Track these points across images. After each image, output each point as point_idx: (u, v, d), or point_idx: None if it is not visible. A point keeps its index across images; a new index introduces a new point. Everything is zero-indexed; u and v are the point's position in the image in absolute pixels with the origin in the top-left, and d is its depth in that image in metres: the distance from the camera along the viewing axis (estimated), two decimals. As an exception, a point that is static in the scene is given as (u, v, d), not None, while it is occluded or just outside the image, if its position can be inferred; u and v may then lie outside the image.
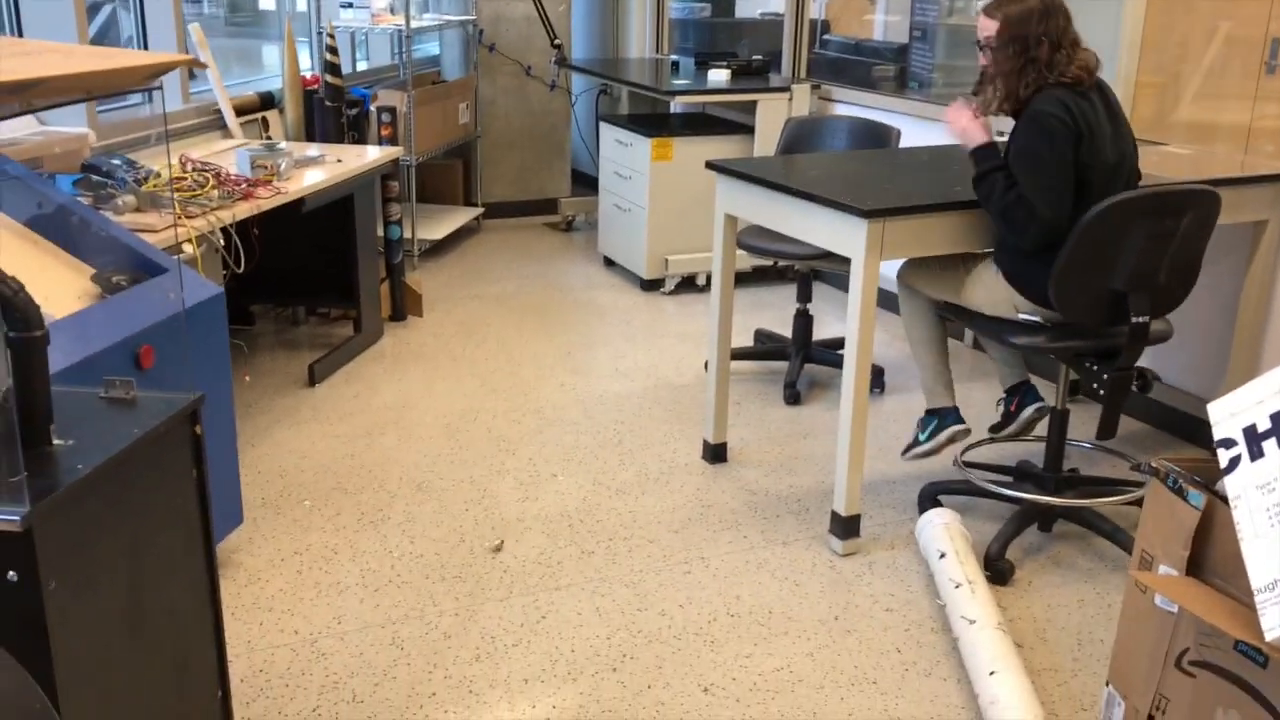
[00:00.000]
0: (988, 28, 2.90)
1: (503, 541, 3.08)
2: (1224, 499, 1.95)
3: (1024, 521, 3.13)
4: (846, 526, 3.10)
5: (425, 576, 2.95)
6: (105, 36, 5.98)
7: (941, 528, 2.96)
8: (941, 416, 3.35)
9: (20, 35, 3.87)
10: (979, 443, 3.59)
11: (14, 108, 1.50)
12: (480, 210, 6.58)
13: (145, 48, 4.62)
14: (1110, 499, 3.17)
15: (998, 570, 2.97)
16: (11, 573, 1.50)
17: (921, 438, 3.38)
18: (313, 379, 4.21)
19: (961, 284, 3.14)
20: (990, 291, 3.06)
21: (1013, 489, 3.21)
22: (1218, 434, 1.98)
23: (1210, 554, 2.03)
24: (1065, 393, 3.17)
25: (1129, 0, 4.78)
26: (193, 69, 4.53)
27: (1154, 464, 2.13)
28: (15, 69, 1.42)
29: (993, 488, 3.22)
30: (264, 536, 3.13)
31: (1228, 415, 1.99)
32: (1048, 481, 3.20)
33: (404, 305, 4.95)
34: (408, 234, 5.59)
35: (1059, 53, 2.84)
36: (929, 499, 3.30)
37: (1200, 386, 3.77)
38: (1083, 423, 3.83)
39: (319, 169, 4.05)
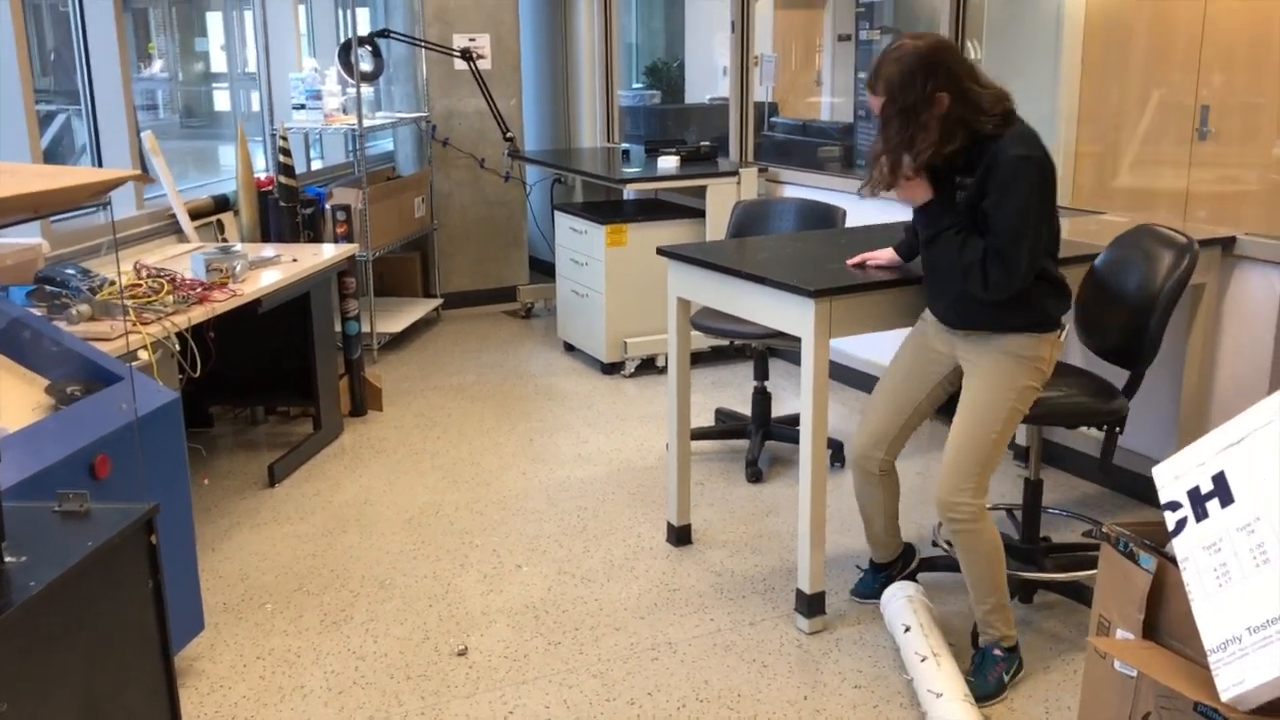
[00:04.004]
0: (874, 105, 2.73)
1: (466, 647, 3.05)
2: (1174, 561, 1.99)
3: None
4: (811, 604, 3.11)
5: (390, 676, 2.91)
6: (59, 144, 6.01)
7: (905, 601, 2.97)
8: (1015, 650, 2.86)
9: (-28, 147, 3.90)
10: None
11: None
12: (439, 301, 6.61)
13: (99, 155, 4.65)
14: (1092, 571, 3.18)
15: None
16: (-38, 695, 1.48)
17: (1005, 678, 2.80)
18: (273, 479, 4.18)
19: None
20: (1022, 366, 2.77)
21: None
22: (1163, 497, 2.02)
23: (1165, 616, 2.05)
24: (1039, 460, 3.21)
25: (1064, 71, 4.93)
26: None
27: (1105, 529, 2.16)
28: (-38, 192, 1.44)
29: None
30: (225, 642, 3.09)
31: (1172, 478, 2.04)
32: (1026, 553, 3.22)
33: (364, 400, 4.95)
34: (366, 328, 5.60)
35: (966, 99, 2.64)
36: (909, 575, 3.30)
37: (1158, 450, 3.83)
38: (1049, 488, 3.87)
39: (275, 269, 4.08)
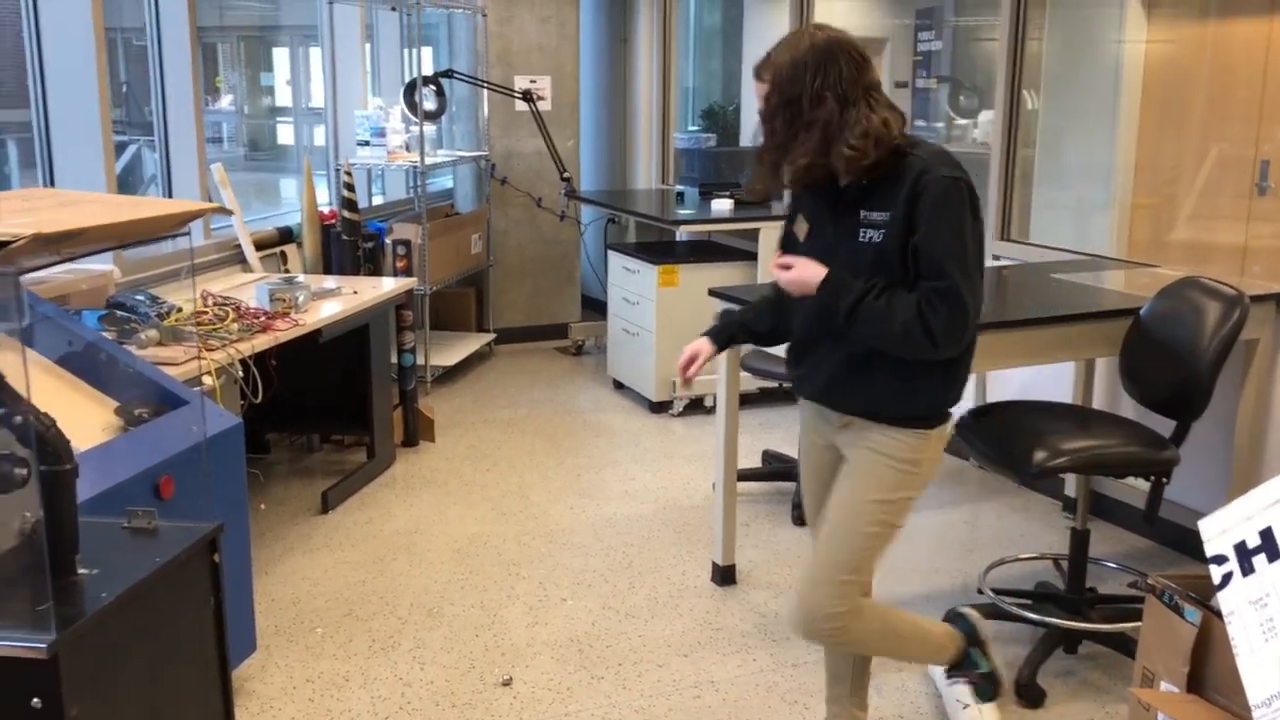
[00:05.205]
0: (758, 93, 2.31)
1: (511, 678, 3.09)
2: (1220, 615, 1.99)
3: (1051, 645, 3.12)
4: (855, 648, 3.11)
5: (435, 704, 2.96)
6: (130, 174, 6.19)
7: (949, 648, 2.97)
8: (973, 671, 2.72)
9: (52, 172, 4.05)
10: (996, 564, 3.61)
11: (52, 256, 1.61)
12: (492, 336, 6.71)
13: (169, 185, 4.80)
14: (1137, 623, 3.17)
15: (1030, 696, 2.96)
16: (35, 699, 1.55)
17: (981, 705, 2.73)
18: (326, 506, 4.26)
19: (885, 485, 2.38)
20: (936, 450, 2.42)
21: (1034, 611, 3.21)
22: (1210, 550, 2.03)
23: (1209, 670, 2.05)
24: (1086, 510, 3.20)
25: (1122, 123, 4.92)
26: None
27: (1150, 581, 2.17)
28: (58, 220, 1.53)
29: (1021, 612, 3.21)
30: (276, 664, 3.15)
31: (1219, 532, 2.04)
32: (1072, 603, 3.21)
33: (417, 431, 5.03)
34: (421, 361, 5.70)
35: (851, 110, 2.20)
36: (952, 622, 3.29)
37: (1207, 503, 3.80)
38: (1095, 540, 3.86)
39: (335, 301, 4.18)
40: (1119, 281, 3.97)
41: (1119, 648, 3.16)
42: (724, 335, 2.70)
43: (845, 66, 2.21)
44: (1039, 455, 2.91)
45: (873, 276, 2.23)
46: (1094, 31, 5.29)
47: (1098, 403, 4.10)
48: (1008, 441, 3.05)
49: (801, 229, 2.43)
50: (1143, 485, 3.04)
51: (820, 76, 2.20)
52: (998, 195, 4.76)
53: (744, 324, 2.70)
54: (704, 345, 2.67)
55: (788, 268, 2.32)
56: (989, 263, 4.64)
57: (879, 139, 2.19)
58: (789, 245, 2.46)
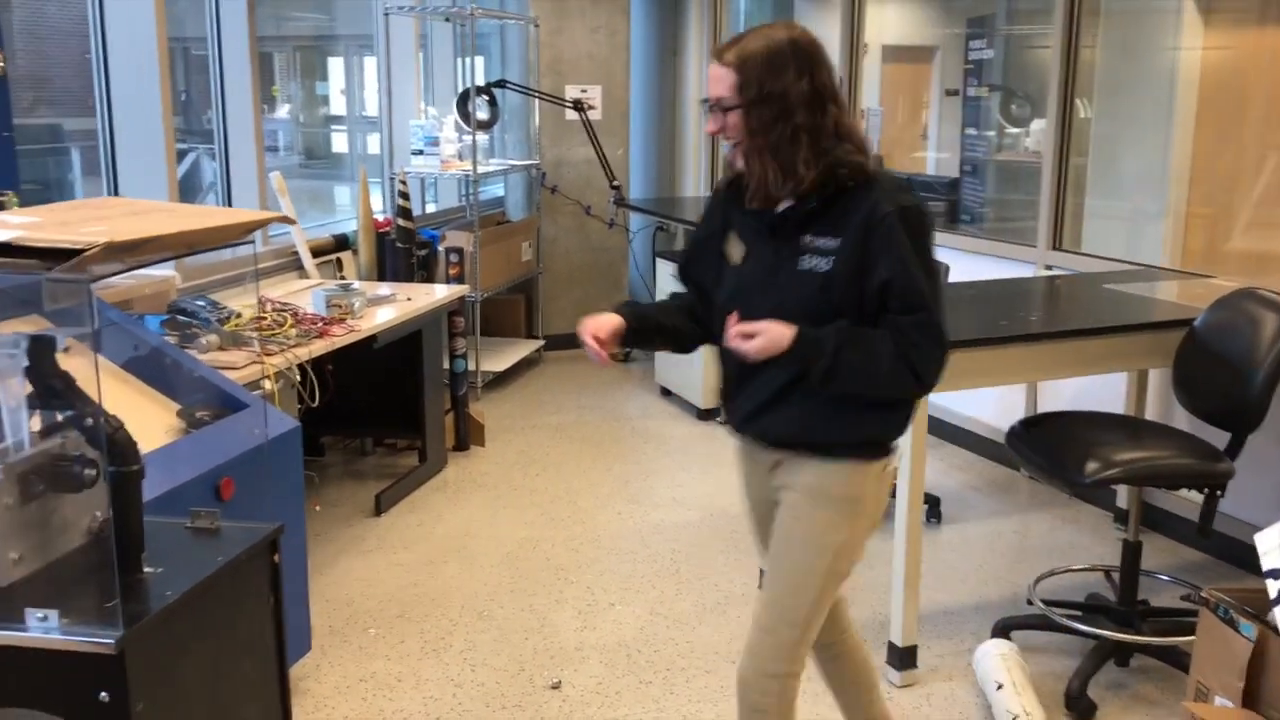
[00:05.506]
0: (717, 84, 2.03)
1: (560, 681, 3.12)
2: (1277, 630, 1.97)
3: (1102, 657, 3.10)
4: (903, 657, 3.11)
5: (486, 705, 3.00)
6: (189, 181, 6.31)
7: (999, 659, 2.96)
8: None
9: (116, 180, 4.15)
10: (1046, 575, 3.59)
11: (122, 264, 1.66)
12: (541, 342, 6.76)
13: (229, 193, 4.89)
14: (1190, 636, 3.14)
15: (1080, 708, 2.94)
16: (103, 693, 1.60)
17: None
18: (379, 508, 4.32)
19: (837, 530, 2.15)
20: (881, 485, 2.20)
21: (1085, 623, 3.19)
22: (1266, 564, 2.02)
23: (1265, 685, 2.04)
24: (1138, 522, 3.18)
25: (1177, 130, 4.86)
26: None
27: (1204, 594, 2.16)
28: (129, 229, 1.58)
29: (1072, 624, 3.20)
30: (330, 664, 3.21)
31: (1275, 545, 2.03)
32: (1124, 615, 3.19)
33: (467, 435, 5.08)
34: (472, 366, 5.75)
35: (843, 124, 2.03)
36: (1001, 632, 3.28)
37: (1263, 517, 3.75)
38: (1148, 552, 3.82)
39: (390, 307, 4.24)
40: (1173, 292, 3.93)
41: (1172, 661, 3.13)
42: (637, 314, 2.31)
43: (825, 72, 2.02)
44: (1091, 466, 2.89)
45: (817, 308, 2.03)
46: (1149, 39, 5.23)
47: (1150, 414, 4.06)
48: (1059, 452, 3.04)
49: (737, 251, 2.17)
50: (1196, 498, 3.01)
51: (807, 76, 1.99)
52: (1049, 204, 4.73)
53: (652, 318, 2.36)
54: (613, 322, 2.27)
55: (750, 336, 2.02)
56: (1041, 272, 4.62)
57: (861, 159, 2.02)
58: (705, 265, 2.24)
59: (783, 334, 2.00)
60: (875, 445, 2.14)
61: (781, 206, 2.07)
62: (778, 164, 2.00)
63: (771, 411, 2.14)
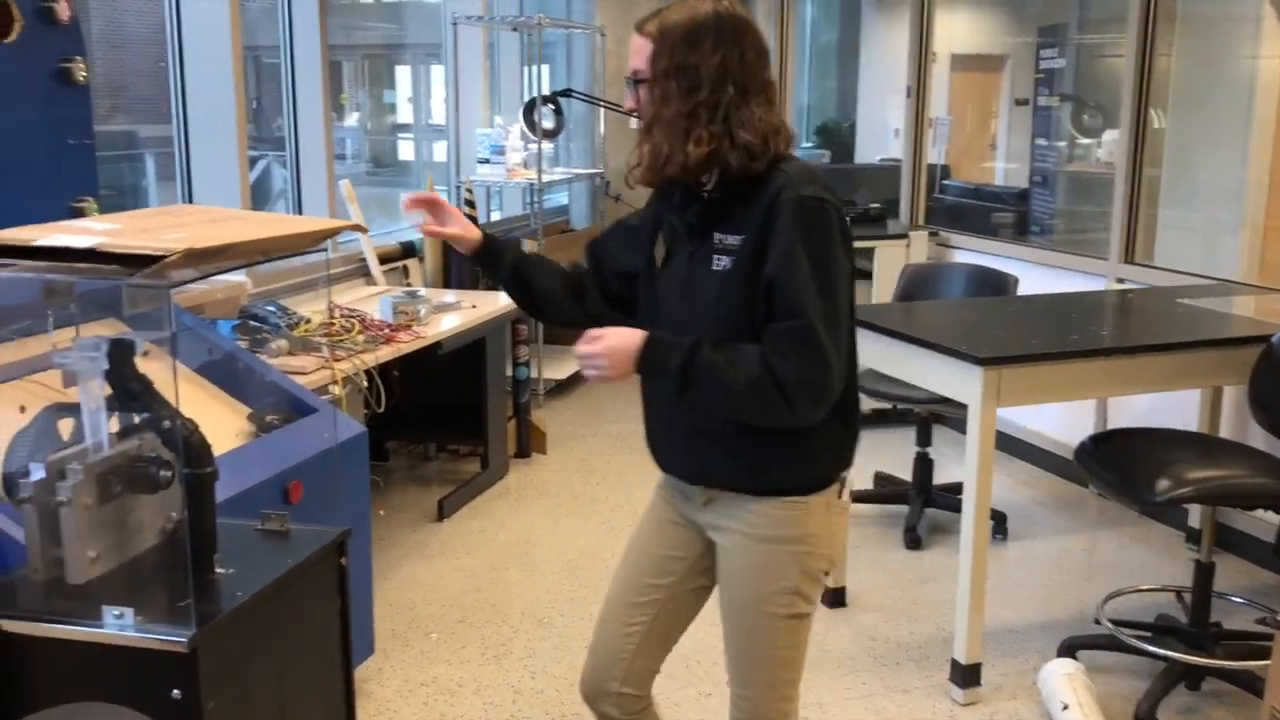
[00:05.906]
0: (636, 55, 1.86)
1: (621, 685, 3.12)
2: (1356, 656, 1.92)
3: (1172, 680, 3.03)
4: (967, 675, 3.07)
5: (545, 713, 3.00)
6: (259, 188, 6.42)
7: (1065, 679, 2.91)
8: None
9: (190, 186, 4.24)
10: (1115, 594, 3.53)
11: (198, 271, 1.70)
12: (604, 351, 6.77)
13: (299, 200, 4.97)
14: (1265, 661, 3.06)
15: (1146, 730, 2.89)
16: (175, 691, 1.63)
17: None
18: (442, 514, 4.36)
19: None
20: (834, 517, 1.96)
21: (1155, 645, 3.13)
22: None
23: (1345, 713, 1.98)
24: (1211, 542, 3.11)
25: (1255, 141, 4.76)
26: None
27: (1281, 618, 2.10)
28: (208, 236, 1.61)
29: (1141, 644, 3.13)
30: (393, 667, 3.24)
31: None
32: (1195, 638, 3.12)
33: (529, 443, 5.11)
34: (534, 374, 5.79)
35: (745, 108, 1.81)
36: (1067, 652, 3.23)
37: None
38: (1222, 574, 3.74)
39: (455, 314, 4.28)
40: (1249, 307, 3.84)
41: (1245, 686, 3.05)
42: (498, 245, 2.16)
43: (749, 51, 1.82)
44: (1162, 484, 2.84)
45: (728, 314, 1.81)
46: (1226, 47, 5.14)
47: (1225, 432, 3.98)
48: (1130, 469, 2.98)
49: (660, 252, 1.98)
50: (1272, 518, 2.94)
51: (722, 52, 1.80)
52: (1122, 216, 4.65)
53: (523, 263, 2.17)
54: (471, 235, 2.14)
55: (593, 356, 1.82)
56: (1112, 285, 4.54)
57: (771, 143, 1.81)
58: (622, 251, 2.09)
59: (634, 341, 1.81)
60: (821, 475, 1.92)
61: (702, 192, 1.87)
62: (666, 137, 1.80)
63: (691, 452, 1.97)
